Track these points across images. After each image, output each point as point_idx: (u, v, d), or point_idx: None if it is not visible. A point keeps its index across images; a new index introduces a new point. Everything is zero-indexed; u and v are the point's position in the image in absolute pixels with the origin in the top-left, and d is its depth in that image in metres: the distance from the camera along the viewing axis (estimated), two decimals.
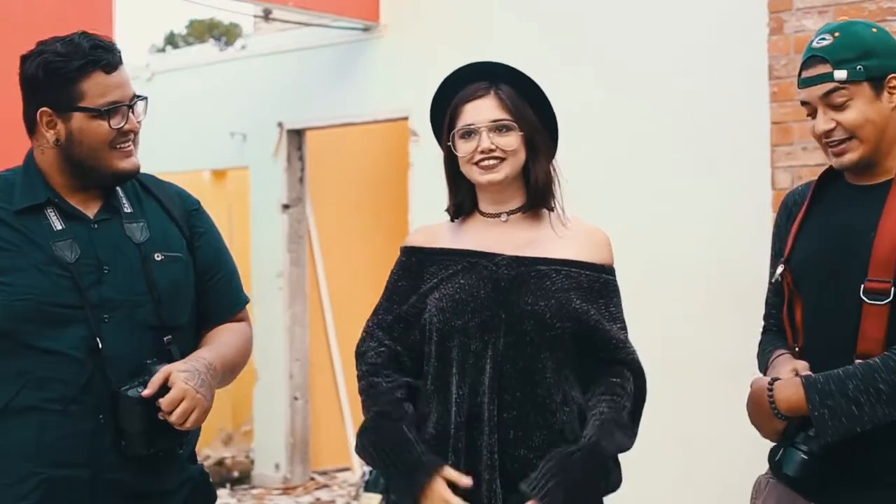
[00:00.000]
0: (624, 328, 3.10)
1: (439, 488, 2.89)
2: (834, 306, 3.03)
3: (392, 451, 2.96)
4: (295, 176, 9.36)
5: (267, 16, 9.19)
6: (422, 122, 8.23)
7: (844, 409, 2.86)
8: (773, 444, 3.10)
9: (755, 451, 6.12)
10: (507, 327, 2.98)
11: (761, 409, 3.03)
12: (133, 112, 2.95)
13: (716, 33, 6.77)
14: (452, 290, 3.03)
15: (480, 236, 3.11)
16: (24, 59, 2.95)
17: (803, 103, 3.10)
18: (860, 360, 2.93)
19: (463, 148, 3.07)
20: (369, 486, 8.37)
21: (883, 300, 2.91)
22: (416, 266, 3.11)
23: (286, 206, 9.32)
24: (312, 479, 9.51)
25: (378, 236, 9.82)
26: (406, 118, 8.46)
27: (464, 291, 3.02)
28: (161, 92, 10.21)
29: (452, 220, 3.18)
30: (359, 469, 9.12)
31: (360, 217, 9.95)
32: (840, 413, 2.86)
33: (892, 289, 2.91)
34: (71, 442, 2.85)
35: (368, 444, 3.01)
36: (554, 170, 3.16)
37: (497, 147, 3.04)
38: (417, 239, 3.18)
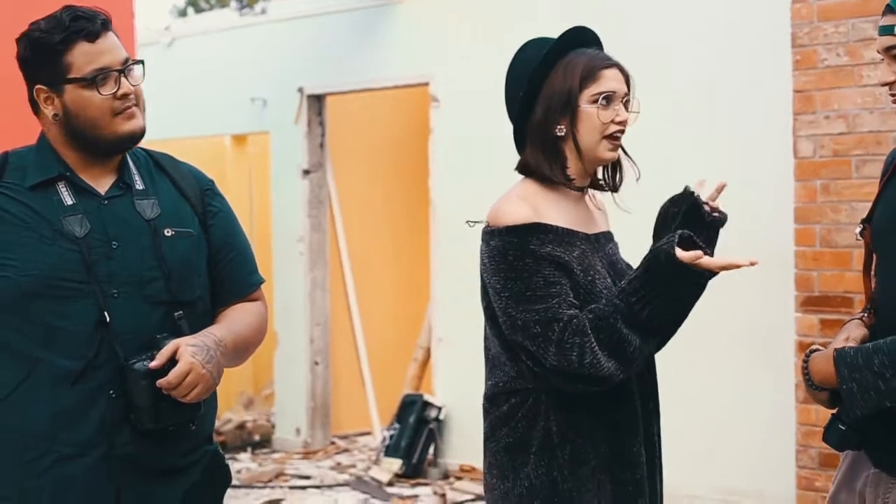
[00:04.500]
0: None
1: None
2: None
3: (641, 300, 2.80)
4: (315, 141, 9.34)
5: None
6: (442, 87, 8.24)
7: (871, 383, 2.82)
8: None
9: (778, 415, 6.15)
10: None
11: (804, 381, 3.01)
12: (128, 76, 2.93)
13: (740, 2, 6.72)
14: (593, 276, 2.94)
15: (574, 212, 3.01)
16: (18, 41, 2.97)
17: (877, 51, 3.03)
18: None
19: (602, 115, 2.93)
20: (389, 451, 8.44)
21: None
22: (544, 244, 2.87)
23: (307, 172, 9.31)
24: (333, 443, 9.55)
25: (398, 202, 9.86)
26: (427, 84, 8.45)
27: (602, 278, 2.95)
28: (181, 57, 10.23)
29: (540, 183, 2.99)
30: (379, 434, 9.17)
31: (381, 183, 9.94)
32: (868, 387, 2.82)
33: None
34: (83, 418, 2.86)
35: (644, 337, 2.83)
36: None
37: (626, 122, 2.98)
38: (527, 213, 2.90)
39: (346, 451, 9.38)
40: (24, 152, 3.00)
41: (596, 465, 2.90)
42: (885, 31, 2.93)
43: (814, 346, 3.05)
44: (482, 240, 2.97)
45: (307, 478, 8.53)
